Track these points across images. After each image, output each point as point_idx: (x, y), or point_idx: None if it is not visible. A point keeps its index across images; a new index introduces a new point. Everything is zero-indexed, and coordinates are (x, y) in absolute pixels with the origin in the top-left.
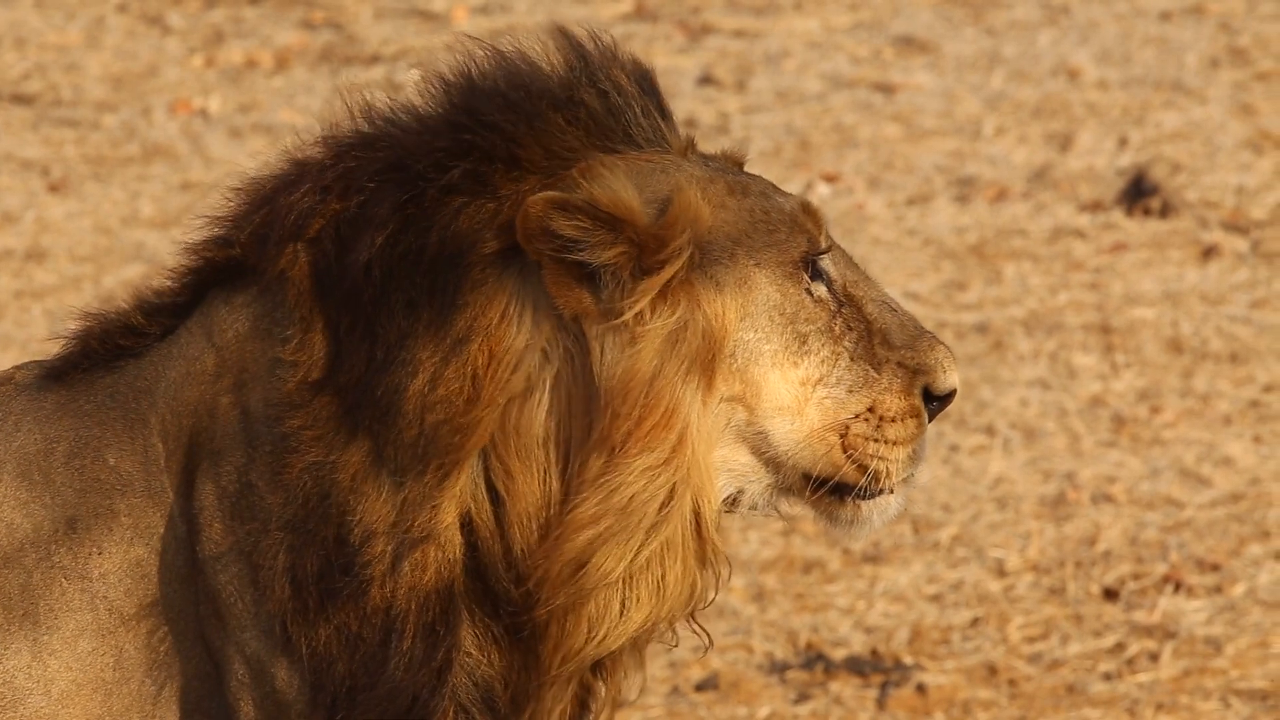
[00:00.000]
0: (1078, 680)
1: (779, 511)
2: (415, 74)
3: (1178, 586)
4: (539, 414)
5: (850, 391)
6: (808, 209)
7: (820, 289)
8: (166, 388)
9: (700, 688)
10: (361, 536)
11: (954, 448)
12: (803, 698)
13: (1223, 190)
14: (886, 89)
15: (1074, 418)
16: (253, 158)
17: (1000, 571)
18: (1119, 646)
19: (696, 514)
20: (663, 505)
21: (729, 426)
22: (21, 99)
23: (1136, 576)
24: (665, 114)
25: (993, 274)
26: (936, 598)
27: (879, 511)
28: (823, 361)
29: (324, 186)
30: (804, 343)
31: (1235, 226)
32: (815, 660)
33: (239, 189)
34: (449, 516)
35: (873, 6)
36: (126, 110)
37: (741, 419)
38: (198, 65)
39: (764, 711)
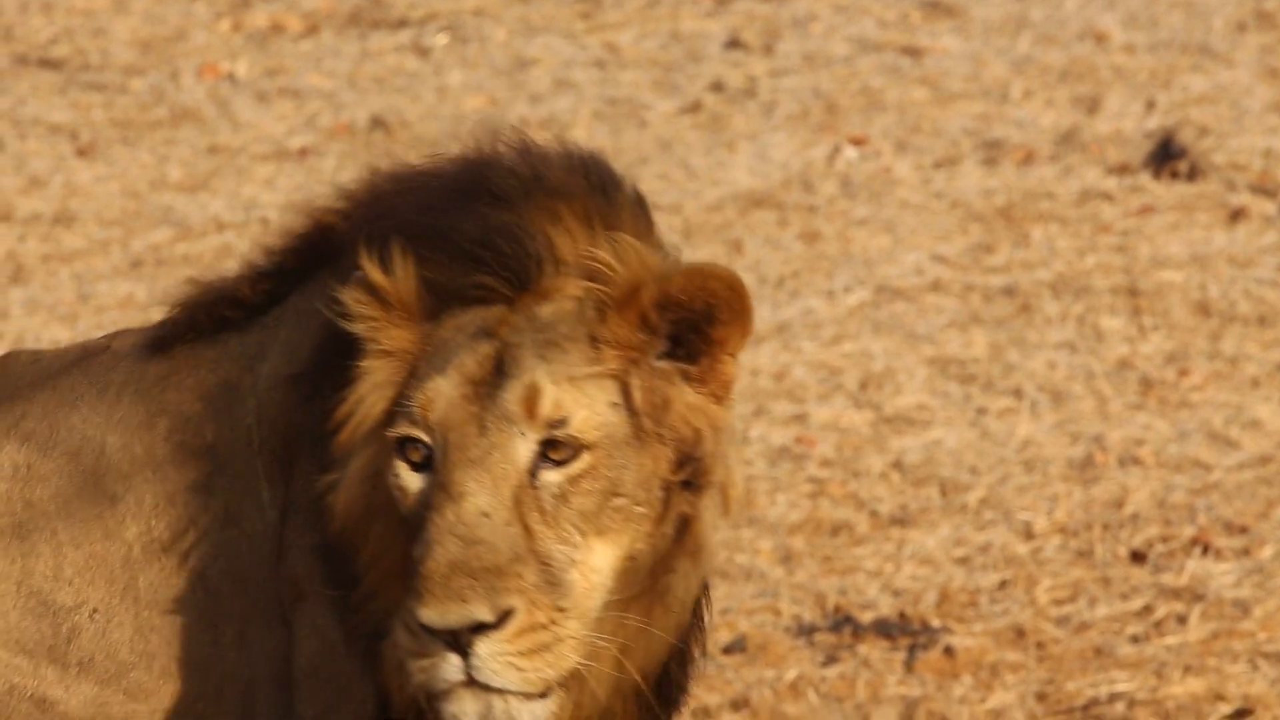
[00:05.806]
0: (1105, 643)
1: None
2: (442, 38)
3: (1205, 549)
4: None
5: None
6: (427, 402)
7: (410, 478)
8: (269, 372)
9: (728, 650)
10: None
11: (981, 410)
12: (830, 660)
13: (1250, 153)
14: (914, 52)
15: (1101, 380)
16: (279, 121)
17: (1028, 534)
18: (1147, 609)
19: None
20: None
21: None
22: (49, 63)
23: (1164, 539)
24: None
25: (1020, 237)
26: (964, 560)
27: None
28: None
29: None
30: None
31: (1263, 189)
32: (843, 623)
33: (375, 173)
34: None
35: None
36: (154, 74)
37: None
38: (225, 29)
39: (792, 674)
